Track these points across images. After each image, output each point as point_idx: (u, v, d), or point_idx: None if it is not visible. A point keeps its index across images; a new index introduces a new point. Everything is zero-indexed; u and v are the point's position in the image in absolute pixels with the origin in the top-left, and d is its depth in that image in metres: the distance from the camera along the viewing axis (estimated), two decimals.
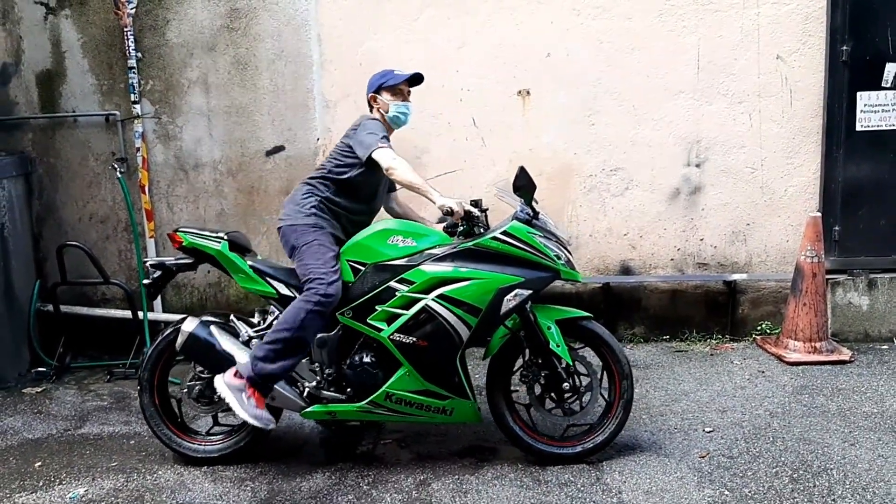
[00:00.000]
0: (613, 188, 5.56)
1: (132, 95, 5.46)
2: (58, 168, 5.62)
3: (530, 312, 3.74)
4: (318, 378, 3.76)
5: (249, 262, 3.83)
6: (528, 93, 5.47)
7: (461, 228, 3.76)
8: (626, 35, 5.39)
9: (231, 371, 3.62)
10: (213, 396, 3.82)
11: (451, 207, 3.57)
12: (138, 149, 5.50)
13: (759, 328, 5.65)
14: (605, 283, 5.64)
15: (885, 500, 3.44)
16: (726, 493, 3.55)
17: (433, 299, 3.58)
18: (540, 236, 3.68)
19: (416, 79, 4.04)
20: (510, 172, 5.31)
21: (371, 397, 3.70)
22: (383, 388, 3.68)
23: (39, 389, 5.10)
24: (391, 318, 3.62)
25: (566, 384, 3.80)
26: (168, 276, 3.92)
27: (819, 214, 5.23)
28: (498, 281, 3.59)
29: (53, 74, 5.53)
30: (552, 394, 3.84)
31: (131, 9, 5.37)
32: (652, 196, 5.56)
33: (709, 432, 4.20)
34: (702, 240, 5.61)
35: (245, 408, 3.55)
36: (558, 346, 3.70)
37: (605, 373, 3.90)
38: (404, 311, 3.60)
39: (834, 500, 3.46)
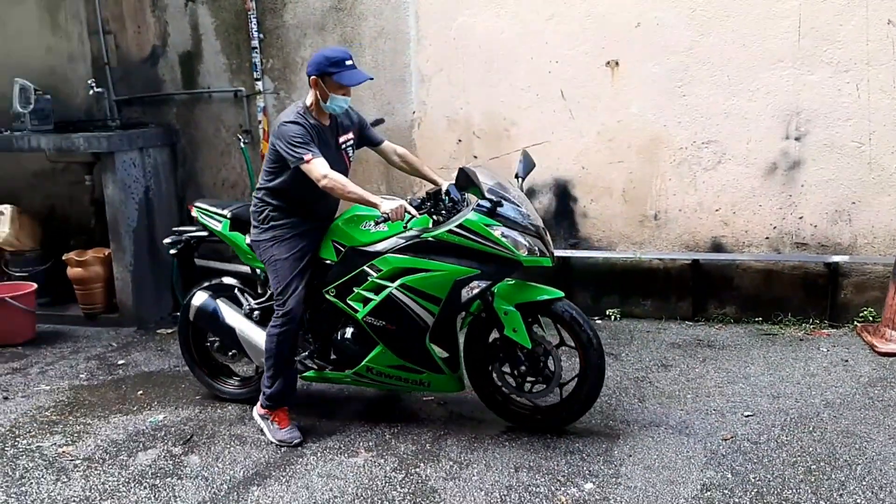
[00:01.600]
0: (705, 161, 5.38)
1: (255, 73, 6.08)
2: (196, 139, 6.39)
3: (490, 297, 3.83)
4: (311, 348, 4.14)
5: (248, 240, 4.15)
6: (616, 63, 5.42)
7: (442, 208, 3.80)
8: (720, 1, 5.15)
9: (258, 404, 4.11)
10: (230, 350, 4.38)
11: (388, 214, 3.60)
12: (260, 122, 6.12)
13: (861, 315, 5.25)
14: (695, 261, 5.49)
15: None
16: (728, 476, 3.50)
17: (396, 287, 3.77)
18: (499, 227, 3.68)
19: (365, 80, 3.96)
20: (598, 145, 5.43)
21: (354, 368, 4.02)
22: (363, 362, 3.99)
23: (169, 331, 5.90)
24: (365, 301, 3.86)
25: (523, 367, 3.89)
26: (190, 247, 4.51)
27: None
28: (455, 273, 3.70)
29: (192, 55, 6.27)
30: (515, 373, 3.94)
31: None
32: (746, 171, 5.32)
33: (747, 416, 4.08)
34: (801, 218, 5.28)
35: (272, 433, 4.03)
36: (515, 330, 3.76)
37: (577, 347, 3.90)
38: (374, 296, 3.83)
39: (841, 495, 3.30)
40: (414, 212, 3.67)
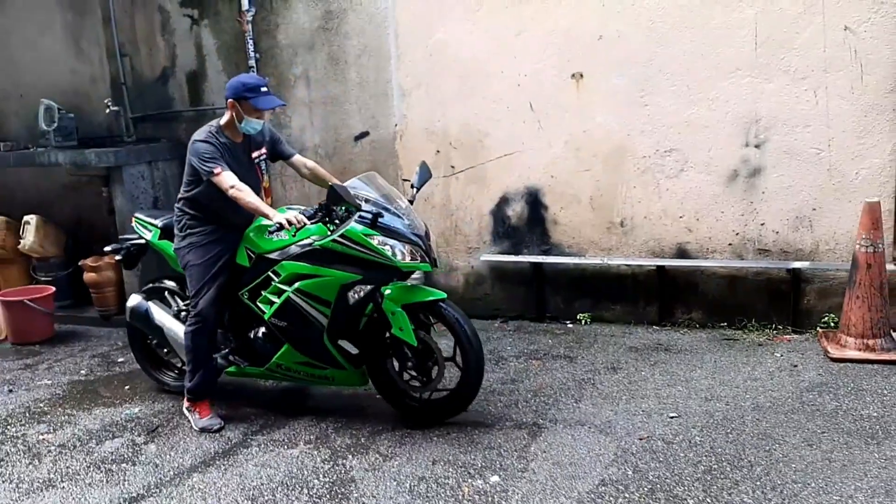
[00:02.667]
0: (668, 169, 5.49)
1: None
2: None
3: (381, 299, 4.12)
4: (231, 346, 4.55)
5: (173, 248, 4.56)
6: (581, 76, 5.59)
7: (335, 217, 4.10)
8: (678, 13, 5.27)
9: (185, 399, 4.55)
10: (163, 347, 4.89)
11: (280, 223, 3.95)
12: None
13: (823, 320, 5.28)
14: (660, 266, 5.61)
15: (784, 500, 3.34)
16: (629, 473, 3.66)
17: (293, 291, 4.14)
18: (378, 237, 3.98)
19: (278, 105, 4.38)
20: (566, 154, 5.63)
21: (266, 365, 4.41)
22: (273, 359, 4.38)
23: None
24: (270, 303, 4.24)
25: (410, 363, 4.20)
26: (134, 254, 4.98)
27: (877, 200, 4.78)
28: (340, 278, 4.05)
29: (198, 74, 6.73)
30: (405, 367, 4.26)
31: (250, 16, 6.35)
32: (708, 178, 5.41)
33: (672, 417, 4.22)
34: (762, 224, 5.34)
35: (195, 422, 4.47)
36: (401, 329, 4.04)
37: (457, 347, 4.17)
38: (276, 299, 4.20)
39: (731, 493, 3.43)
40: (305, 221, 4.00)
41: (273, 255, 4.25)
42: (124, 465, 4.08)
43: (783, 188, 5.25)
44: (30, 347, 6.23)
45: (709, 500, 3.41)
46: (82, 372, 5.60)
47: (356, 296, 4.11)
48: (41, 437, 4.48)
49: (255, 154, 4.43)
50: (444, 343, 4.26)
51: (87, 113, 7.08)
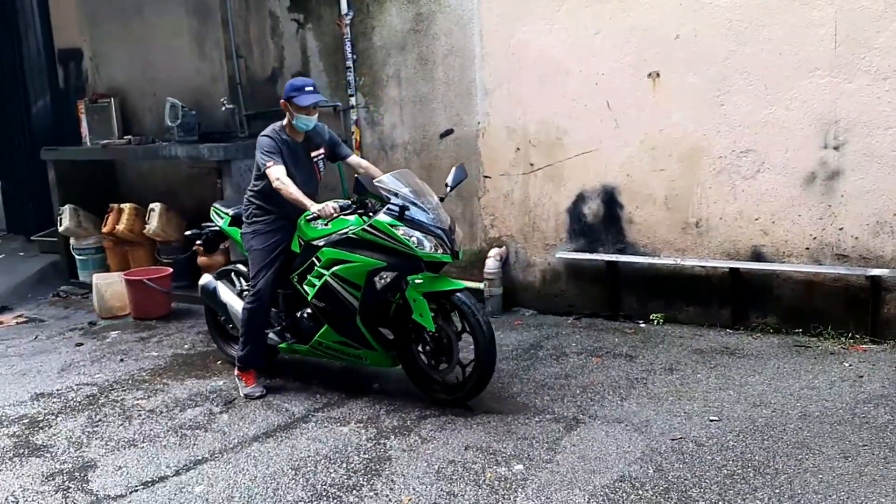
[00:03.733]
0: (744, 170, 5.39)
1: (349, 90, 6.88)
2: None
3: (405, 287, 4.41)
4: (282, 324, 4.96)
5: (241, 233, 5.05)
6: (657, 75, 5.57)
7: (370, 209, 4.53)
8: (756, 11, 5.16)
9: (236, 367, 5.05)
10: (229, 323, 5.37)
11: (315, 213, 4.39)
12: (353, 133, 6.92)
13: None
14: (735, 269, 5.50)
15: None
16: (650, 472, 3.73)
17: (329, 275, 4.50)
18: (403, 228, 4.29)
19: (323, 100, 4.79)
20: (642, 153, 5.70)
21: (310, 342, 4.79)
22: (315, 337, 4.77)
23: None
24: (313, 286, 4.62)
25: (428, 347, 4.47)
26: (211, 238, 5.52)
27: None
28: (368, 264, 4.40)
29: (302, 74, 7.18)
30: (425, 352, 4.57)
31: (348, 20, 6.75)
32: (785, 180, 5.26)
33: (712, 420, 4.22)
34: (841, 229, 5.14)
35: (241, 389, 5.00)
36: (421, 315, 4.31)
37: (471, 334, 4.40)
38: (317, 282, 4.57)
39: (745, 499, 3.44)
40: (337, 210, 4.44)
41: (317, 242, 4.66)
42: (198, 430, 4.54)
43: (863, 192, 5.04)
44: (147, 322, 6.92)
45: (716, 499, 3.43)
46: (186, 346, 6.19)
47: (382, 281, 4.44)
48: (136, 402, 5.04)
49: (314, 153, 4.86)
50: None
51: (207, 110, 7.70)
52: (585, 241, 6.07)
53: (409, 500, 3.62)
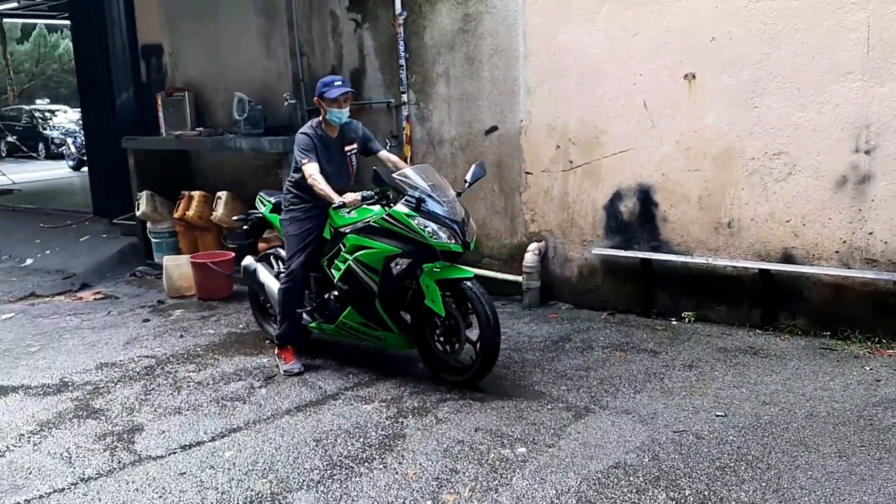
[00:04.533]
0: (776, 172, 5.42)
1: (402, 87, 7.18)
2: None
3: (419, 273, 4.72)
4: (313, 305, 5.32)
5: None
6: (693, 76, 5.65)
7: (392, 200, 4.87)
8: (790, 15, 5.19)
9: (275, 346, 5.45)
10: (268, 303, 5.79)
11: (340, 203, 4.81)
12: (404, 128, 7.22)
13: None
14: (764, 270, 5.55)
15: (780, 502, 3.44)
16: (645, 460, 3.89)
17: (352, 260, 4.83)
18: (419, 218, 4.59)
19: (351, 92, 5.13)
20: (677, 153, 5.84)
21: (336, 322, 5.12)
22: (340, 318, 5.11)
23: None
24: (339, 270, 4.96)
25: (438, 330, 4.74)
26: (256, 224, 5.90)
27: None
28: (385, 250, 4.71)
29: (359, 72, 7.54)
30: (436, 336, 4.86)
31: (402, 20, 7.04)
32: (816, 183, 5.28)
33: (718, 416, 4.33)
34: (871, 234, 5.13)
35: (280, 366, 5.39)
36: (432, 301, 4.58)
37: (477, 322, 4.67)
38: (342, 266, 4.91)
39: (731, 490, 3.58)
40: (359, 200, 4.83)
41: (344, 229, 5.01)
42: (237, 402, 4.93)
43: (893, 196, 5.02)
44: (210, 303, 7.41)
45: (707, 492, 3.57)
46: (240, 326, 6.62)
47: (398, 267, 4.75)
48: (187, 374, 5.48)
49: (347, 148, 5.19)
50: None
51: (272, 105, 8.14)
52: (621, 237, 6.20)
53: (414, 474, 3.90)
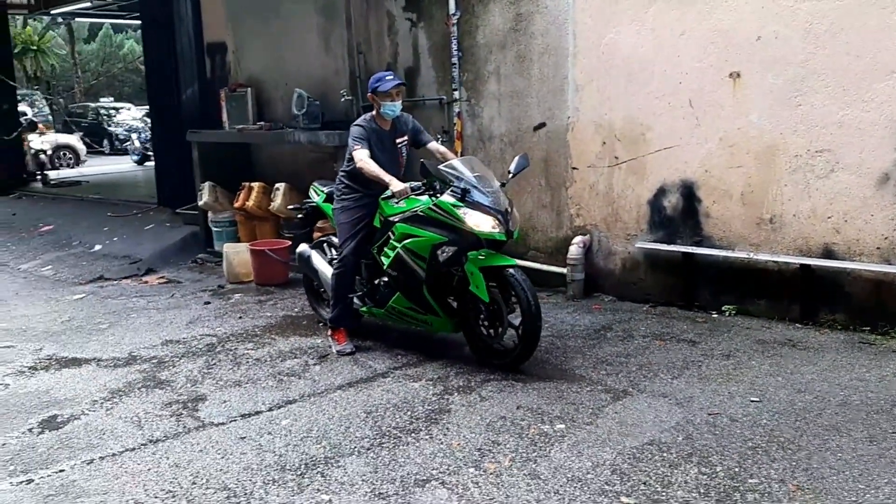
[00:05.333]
0: (818, 170, 5.53)
1: (454, 84, 7.43)
2: None
3: (464, 260, 4.95)
4: (364, 290, 5.61)
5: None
6: (738, 75, 5.78)
7: (439, 190, 5.08)
8: (835, 15, 5.29)
9: (328, 329, 5.75)
10: (321, 287, 6.08)
11: (391, 191, 5.08)
12: (455, 124, 7.47)
13: None
14: (806, 265, 5.65)
15: (810, 480, 3.59)
16: (679, 439, 4.07)
17: (401, 247, 5.08)
18: (463, 208, 4.82)
19: (403, 84, 5.34)
20: (720, 150, 6.02)
21: (385, 307, 5.39)
22: (389, 302, 5.37)
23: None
24: (388, 257, 5.22)
25: (482, 315, 4.96)
26: (311, 213, 6.23)
27: None
28: (432, 239, 4.95)
29: (413, 70, 7.81)
30: (480, 320, 5.09)
31: (455, 19, 7.29)
32: (859, 180, 5.37)
33: (753, 401, 4.48)
34: None
35: (333, 346, 5.68)
36: (477, 287, 4.82)
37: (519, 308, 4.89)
38: (391, 253, 5.16)
39: (761, 468, 3.73)
40: (409, 190, 5.08)
41: (393, 218, 5.26)
42: (293, 377, 5.23)
43: None
44: (267, 288, 7.77)
45: (738, 469, 3.74)
46: (296, 310, 6.95)
47: (444, 255, 4.99)
48: (246, 351, 5.81)
49: (398, 140, 5.46)
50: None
51: (330, 100, 8.47)
52: (664, 232, 6.36)
53: (458, 444, 4.13)
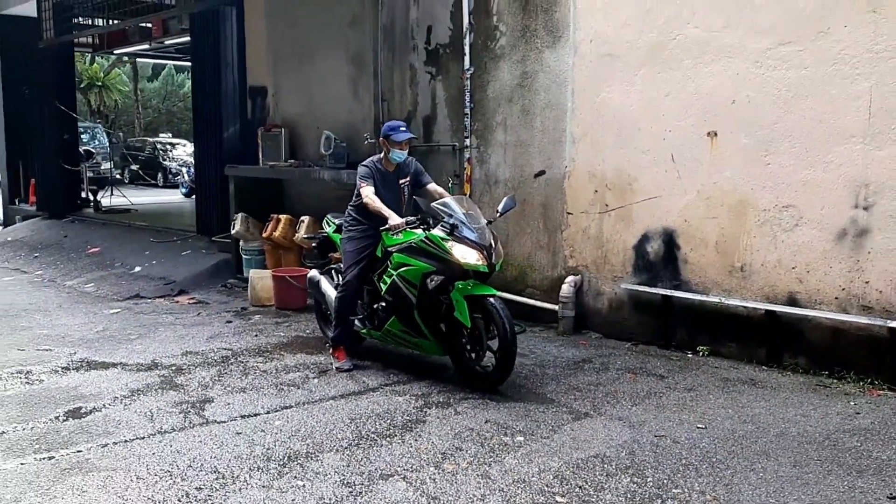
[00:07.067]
0: (784, 223, 5.99)
1: (465, 132, 8.07)
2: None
3: (451, 289, 5.48)
4: (364, 313, 6.17)
5: None
6: (715, 134, 6.31)
7: (431, 225, 5.69)
8: (801, 82, 5.81)
9: (330, 347, 6.30)
10: (328, 310, 6.56)
11: (389, 225, 5.67)
12: (465, 168, 8.09)
13: None
14: (770, 311, 6.08)
15: (726, 492, 4.03)
16: (622, 454, 4.53)
17: (396, 275, 5.65)
18: (450, 241, 5.38)
19: (412, 137, 6.01)
20: (698, 202, 6.52)
21: (382, 330, 5.96)
22: (385, 325, 5.93)
23: None
24: (385, 283, 5.80)
25: (464, 339, 5.47)
26: (323, 242, 6.77)
27: None
28: (423, 268, 5.51)
29: (430, 118, 8.49)
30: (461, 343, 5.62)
31: (469, 74, 7.96)
32: (820, 234, 5.82)
33: (699, 427, 4.92)
34: (867, 283, 5.62)
35: (334, 364, 6.23)
36: (460, 313, 5.34)
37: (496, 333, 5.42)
38: (388, 280, 5.73)
39: (686, 479, 4.18)
40: (404, 224, 5.68)
41: (391, 249, 5.84)
42: (292, 388, 5.81)
43: (888, 250, 5.52)
44: (286, 312, 8.40)
45: (666, 481, 4.19)
46: (307, 331, 7.56)
47: (432, 283, 5.56)
48: (255, 364, 6.42)
49: (401, 181, 6.09)
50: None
51: (355, 143, 9.17)
52: (647, 275, 6.84)
53: (425, 448, 4.66)
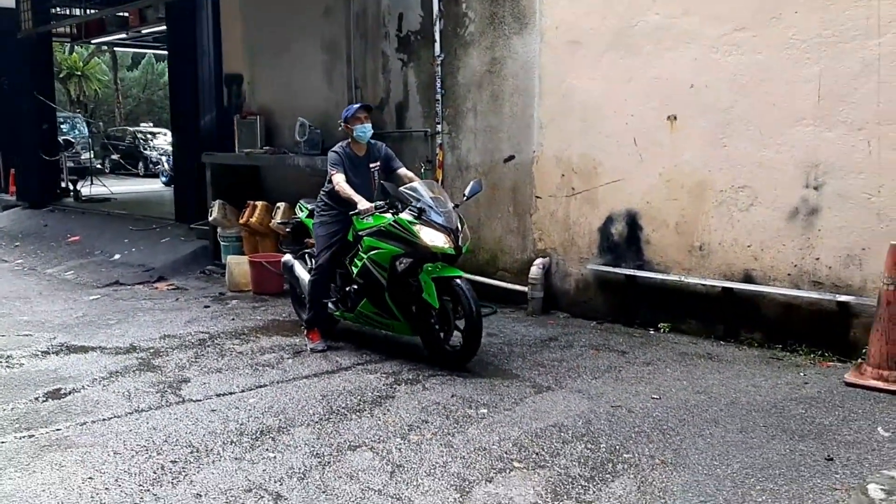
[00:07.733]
0: (740, 203, 6.23)
1: (437, 119, 8.25)
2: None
3: (420, 271, 5.67)
4: (337, 296, 6.35)
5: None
6: (675, 118, 6.52)
7: (400, 209, 5.83)
8: (756, 68, 6.03)
9: (304, 328, 6.49)
10: (302, 293, 6.75)
11: (360, 210, 5.80)
12: (437, 154, 8.28)
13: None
14: (727, 288, 6.33)
15: (674, 455, 4.26)
16: (579, 423, 4.76)
17: (367, 258, 5.85)
18: (418, 224, 5.57)
19: (366, 107, 6.20)
20: (659, 184, 6.72)
21: (354, 312, 6.15)
22: (358, 307, 6.11)
23: None
24: (356, 266, 6.00)
25: (433, 320, 5.68)
26: (297, 227, 6.95)
27: None
28: (392, 251, 5.70)
29: (403, 105, 8.66)
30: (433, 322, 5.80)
31: (439, 60, 8.13)
32: (773, 213, 6.06)
33: (654, 398, 5.16)
34: (818, 259, 5.87)
35: (308, 345, 6.42)
36: (428, 294, 5.55)
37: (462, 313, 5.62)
38: (359, 263, 5.93)
39: (637, 444, 4.41)
40: (373, 209, 5.83)
41: (362, 233, 6.02)
42: (267, 367, 6.00)
43: (837, 228, 5.77)
44: (262, 297, 8.58)
45: (618, 447, 4.42)
46: (283, 315, 7.74)
47: (401, 265, 5.75)
48: (231, 346, 6.60)
49: (371, 165, 6.28)
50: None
51: (330, 129, 9.29)
52: (612, 256, 7.07)
53: (393, 421, 4.86)
